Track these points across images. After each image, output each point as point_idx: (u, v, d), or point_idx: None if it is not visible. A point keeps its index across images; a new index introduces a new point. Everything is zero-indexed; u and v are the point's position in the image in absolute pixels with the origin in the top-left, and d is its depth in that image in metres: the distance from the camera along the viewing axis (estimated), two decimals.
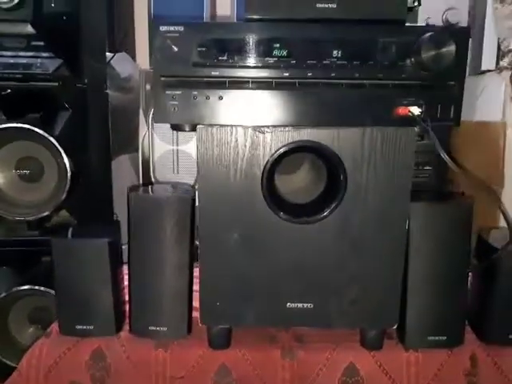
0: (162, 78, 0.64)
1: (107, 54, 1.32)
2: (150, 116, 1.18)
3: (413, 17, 1.22)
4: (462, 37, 0.65)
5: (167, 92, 0.64)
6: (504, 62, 1.15)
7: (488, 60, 1.24)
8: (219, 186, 0.65)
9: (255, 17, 0.66)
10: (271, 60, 0.64)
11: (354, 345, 0.72)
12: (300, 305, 0.68)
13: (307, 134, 0.64)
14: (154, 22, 0.64)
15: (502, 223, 1.05)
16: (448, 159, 0.64)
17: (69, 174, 0.95)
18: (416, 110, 0.64)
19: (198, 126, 0.64)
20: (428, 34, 0.62)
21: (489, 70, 1.18)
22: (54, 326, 0.75)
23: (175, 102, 0.65)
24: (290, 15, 0.66)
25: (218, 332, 0.71)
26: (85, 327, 0.72)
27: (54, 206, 0.96)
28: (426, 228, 0.68)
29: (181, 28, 0.63)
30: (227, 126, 0.64)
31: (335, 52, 0.65)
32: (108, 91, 1.20)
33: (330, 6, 0.66)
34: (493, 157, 1.14)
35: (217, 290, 0.68)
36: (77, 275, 0.71)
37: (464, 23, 1.21)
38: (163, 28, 0.63)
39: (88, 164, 1.07)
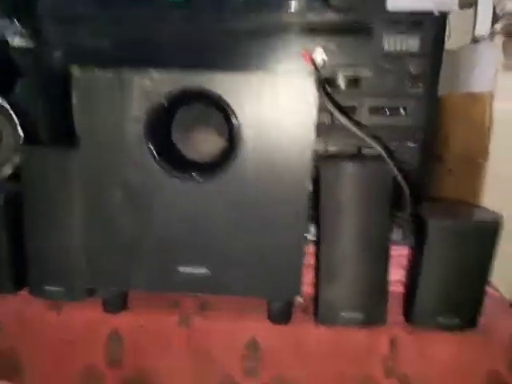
0: None
1: None
2: None
3: None
4: None
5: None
6: (497, 27, 1.02)
7: (482, 25, 1.12)
8: (101, 138, 0.60)
9: None
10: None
11: (259, 316, 0.66)
12: (193, 269, 0.63)
13: (198, 80, 0.57)
14: None
15: (486, 198, 0.95)
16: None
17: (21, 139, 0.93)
18: (320, 55, 0.56)
19: (73, 70, 0.58)
20: None
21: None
22: None
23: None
24: None
25: (110, 295, 0.66)
26: None
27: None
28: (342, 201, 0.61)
29: None
30: (107, 69, 0.58)
31: None
32: None
33: None
34: (479, 130, 1.03)
35: (101, 251, 0.63)
36: None
37: None
38: None
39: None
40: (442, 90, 1.27)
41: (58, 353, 0.67)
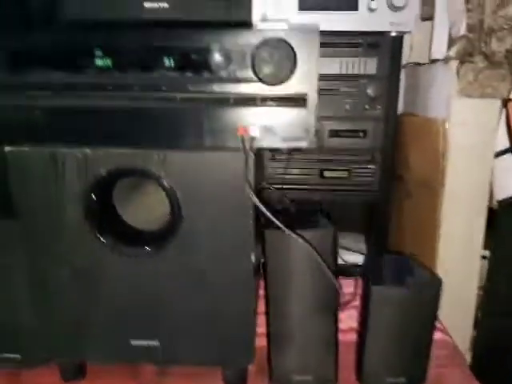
0: None
1: None
2: None
3: (354, 0, 1.10)
4: (306, 38, 0.55)
5: None
6: (452, 52, 1.02)
7: (438, 47, 1.12)
8: (39, 215, 0.59)
9: (74, 18, 0.58)
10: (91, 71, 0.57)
11: (216, 381, 0.66)
12: (144, 342, 0.63)
13: (132, 158, 0.56)
14: None
15: (445, 223, 0.97)
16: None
17: None
18: (255, 130, 0.55)
19: (5, 149, 0.57)
20: (261, 41, 0.53)
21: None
22: None
23: None
24: (114, 15, 0.57)
25: (66, 364, 0.66)
26: None
27: None
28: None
29: None
30: (42, 147, 0.57)
31: (166, 61, 0.56)
32: None
33: (161, 5, 0.57)
34: (434, 155, 1.05)
35: (51, 325, 0.62)
36: None
37: (413, 7, 1.08)
38: None
39: None
40: (404, 106, 1.28)
41: None
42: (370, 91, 1.16)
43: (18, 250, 0.62)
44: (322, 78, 0.69)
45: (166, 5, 0.56)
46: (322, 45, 1.11)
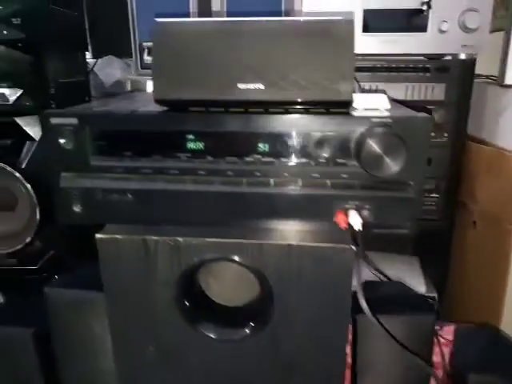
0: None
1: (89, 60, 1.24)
2: None
3: (422, 21, 1.03)
4: (417, 128, 0.51)
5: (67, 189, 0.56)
6: None
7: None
8: (128, 297, 0.58)
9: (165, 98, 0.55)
10: (184, 155, 0.54)
11: None
12: None
13: (226, 248, 0.54)
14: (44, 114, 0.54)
15: None
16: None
17: (37, 210, 0.91)
18: (354, 217, 0.52)
19: (96, 236, 0.56)
20: (370, 130, 0.49)
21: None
22: None
23: (77, 202, 0.57)
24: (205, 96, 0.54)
25: None
26: None
27: (26, 239, 0.92)
28: None
29: (74, 120, 0.54)
30: (135, 235, 0.55)
31: (261, 146, 0.53)
32: None
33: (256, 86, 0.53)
34: (508, 191, 0.99)
35: None
36: None
37: (486, 27, 1.01)
38: (55, 120, 0.54)
39: None
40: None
41: None
42: (436, 118, 1.10)
43: (105, 322, 0.61)
44: None
45: (261, 86, 0.52)
46: (386, 69, 1.08)
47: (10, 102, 0.96)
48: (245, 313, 0.60)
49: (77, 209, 0.56)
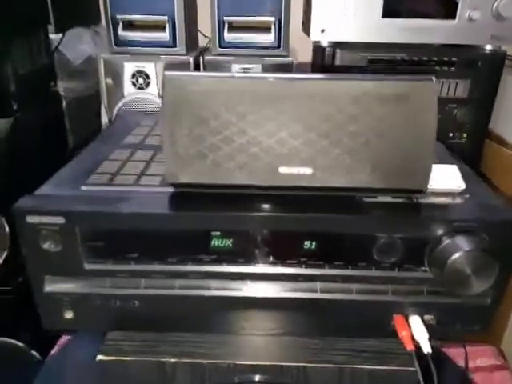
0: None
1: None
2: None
3: (451, 7, 0.88)
4: None
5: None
6: None
7: None
8: None
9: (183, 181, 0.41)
10: (207, 257, 0.42)
11: None
12: None
13: (262, 371, 0.44)
14: (16, 210, 0.40)
15: None
16: None
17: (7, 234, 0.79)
18: (417, 324, 0.43)
19: (97, 358, 0.44)
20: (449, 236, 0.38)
21: None
22: None
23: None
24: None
25: None
26: None
27: None
28: None
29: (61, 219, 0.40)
30: (147, 355, 0.44)
31: (307, 244, 0.42)
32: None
33: (303, 171, 0.40)
34: None
35: None
36: None
37: None
38: (31, 219, 0.40)
39: None
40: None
41: None
42: (458, 116, 0.99)
43: None
44: None
45: (309, 170, 0.40)
46: (407, 62, 0.94)
47: None
48: None
49: (68, 316, 0.44)
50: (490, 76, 0.95)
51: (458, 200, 0.43)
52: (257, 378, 0.43)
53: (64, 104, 1.03)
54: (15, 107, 0.84)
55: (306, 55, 1.00)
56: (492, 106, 0.98)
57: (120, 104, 0.95)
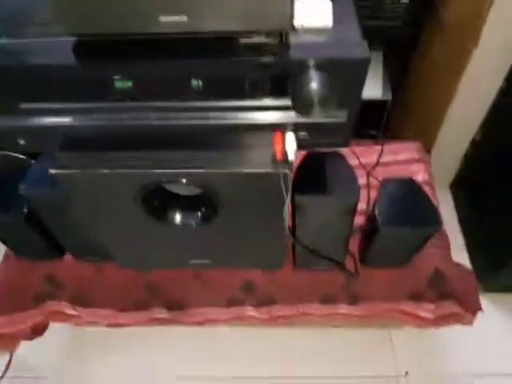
0: None
1: None
2: None
3: None
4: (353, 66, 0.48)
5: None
6: None
7: None
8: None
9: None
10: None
11: None
12: None
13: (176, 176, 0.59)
14: None
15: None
16: None
17: None
18: (290, 138, 0.56)
19: (50, 171, 0.59)
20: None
21: None
22: None
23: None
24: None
25: None
26: None
27: None
28: None
29: None
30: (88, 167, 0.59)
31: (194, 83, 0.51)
32: None
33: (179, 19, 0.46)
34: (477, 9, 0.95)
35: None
36: None
37: None
38: None
39: None
40: None
41: None
42: None
43: None
44: None
45: (184, 18, 0.45)
46: None
47: None
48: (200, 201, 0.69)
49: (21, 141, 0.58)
50: None
51: (321, 38, 0.49)
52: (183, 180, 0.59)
53: None
54: None
55: None
56: None
57: None
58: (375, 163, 0.97)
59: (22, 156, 1.11)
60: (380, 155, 0.98)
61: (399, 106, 1.32)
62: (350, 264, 0.85)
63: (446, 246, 0.92)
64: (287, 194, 0.56)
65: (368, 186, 0.92)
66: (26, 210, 0.77)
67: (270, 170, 0.56)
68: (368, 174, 0.94)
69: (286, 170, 0.56)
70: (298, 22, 0.50)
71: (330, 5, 0.50)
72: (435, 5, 1.13)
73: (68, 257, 0.89)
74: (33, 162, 0.76)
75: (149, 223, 0.68)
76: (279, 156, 0.55)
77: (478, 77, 1.04)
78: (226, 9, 0.45)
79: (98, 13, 0.46)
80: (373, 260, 0.85)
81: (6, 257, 0.93)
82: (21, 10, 0.55)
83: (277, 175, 0.55)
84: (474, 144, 1.24)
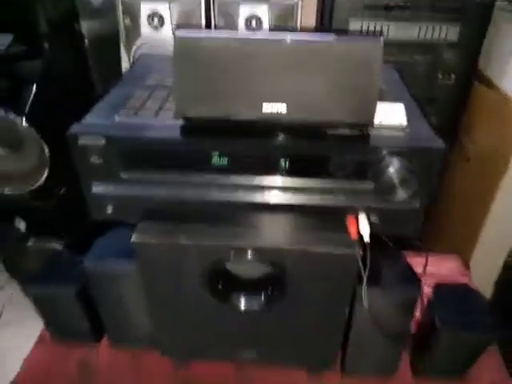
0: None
1: None
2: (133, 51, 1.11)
3: None
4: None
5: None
6: None
7: None
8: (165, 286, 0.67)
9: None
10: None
11: None
12: None
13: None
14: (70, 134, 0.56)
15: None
16: None
17: (46, 153, 0.95)
18: (363, 221, 0.59)
19: (132, 240, 0.62)
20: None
21: None
22: None
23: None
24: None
25: None
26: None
27: (35, 180, 0.96)
28: None
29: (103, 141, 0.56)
30: (167, 238, 0.62)
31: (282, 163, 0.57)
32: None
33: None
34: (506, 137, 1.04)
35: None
36: None
37: None
38: (82, 140, 0.56)
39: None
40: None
41: None
42: (445, 59, 1.09)
43: None
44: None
45: (283, 106, 0.54)
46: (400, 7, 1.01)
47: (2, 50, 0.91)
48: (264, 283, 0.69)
49: (109, 210, 0.62)
50: (479, 20, 1.03)
51: (398, 133, 0.57)
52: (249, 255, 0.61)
53: (86, 43, 1.14)
54: (46, 47, 0.96)
55: None
56: (479, 50, 1.07)
57: (138, 43, 1.06)
58: (422, 273, 0.98)
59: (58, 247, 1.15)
60: (425, 266, 1.00)
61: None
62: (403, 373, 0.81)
63: (497, 355, 0.87)
64: (365, 272, 0.58)
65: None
66: (79, 285, 0.78)
67: (348, 251, 0.58)
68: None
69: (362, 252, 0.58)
70: (377, 119, 0.57)
71: (403, 107, 0.59)
72: (459, 138, 1.25)
73: (104, 341, 0.87)
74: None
75: (209, 306, 0.68)
76: (354, 237, 0.58)
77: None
78: (321, 101, 0.53)
79: (211, 100, 0.54)
80: (428, 370, 0.80)
81: (40, 339, 0.90)
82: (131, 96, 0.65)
83: (353, 257, 0.58)
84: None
